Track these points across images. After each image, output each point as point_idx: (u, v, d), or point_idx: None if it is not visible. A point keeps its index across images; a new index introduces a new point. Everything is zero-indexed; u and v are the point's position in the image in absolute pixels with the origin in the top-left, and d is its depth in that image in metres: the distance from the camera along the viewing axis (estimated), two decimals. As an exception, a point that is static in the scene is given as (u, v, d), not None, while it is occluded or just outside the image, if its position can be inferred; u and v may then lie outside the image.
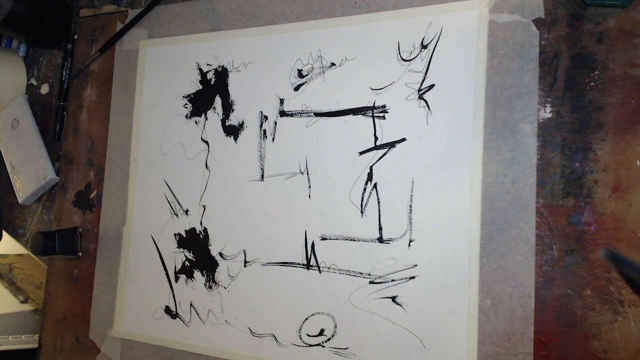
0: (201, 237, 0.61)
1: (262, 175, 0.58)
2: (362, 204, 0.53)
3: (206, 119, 0.62)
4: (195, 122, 0.63)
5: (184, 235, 0.62)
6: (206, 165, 0.61)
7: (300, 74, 0.57)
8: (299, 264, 0.55)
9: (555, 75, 0.47)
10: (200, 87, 0.63)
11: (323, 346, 0.53)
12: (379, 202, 0.52)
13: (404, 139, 0.51)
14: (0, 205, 0.78)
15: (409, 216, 0.50)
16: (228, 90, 0.61)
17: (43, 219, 0.75)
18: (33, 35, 0.73)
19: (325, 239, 0.54)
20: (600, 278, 0.44)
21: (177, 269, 0.62)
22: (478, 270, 0.47)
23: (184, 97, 0.64)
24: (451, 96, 0.50)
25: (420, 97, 0.51)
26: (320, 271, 0.54)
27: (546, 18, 0.47)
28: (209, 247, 0.60)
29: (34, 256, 0.77)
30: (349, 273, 0.52)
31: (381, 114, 0.53)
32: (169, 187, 0.63)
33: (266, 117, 0.58)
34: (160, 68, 0.66)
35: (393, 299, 0.50)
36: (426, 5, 0.51)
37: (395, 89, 0.52)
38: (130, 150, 0.66)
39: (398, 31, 0.52)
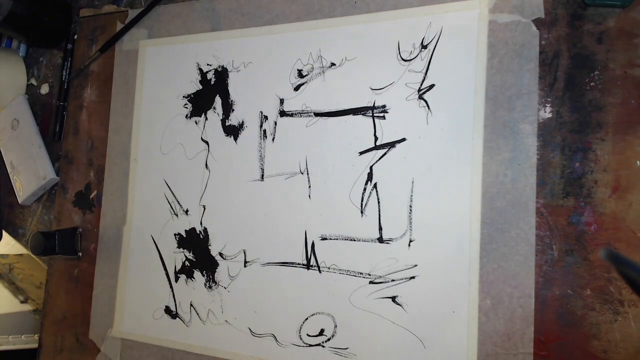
0: (201, 237, 0.61)
1: (262, 175, 0.58)
2: (362, 204, 0.53)
3: (206, 119, 0.62)
4: (195, 122, 0.63)
5: (184, 235, 0.62)
6: (206, 165, 0.61)
7: (300, 74, 0.57)
8: (299, 264, 0.55)
9: (555, 75, 0.47)
10: (200, 87, 0.63)
11: (323, 346, 0.53)
12: (379, 202, 0.52)
13: (404, 139, 0.51)
14: (0, 205, 0.78)
15: (409, 216, 0.50)
16: (228, 90, 0.61)
17: (43, 219, 0.75)
18: (33, 35, 0.73)
19: (325, 239, 0.54)
20: (600, 278, 0.44)
21: (177, 269, 0.62)
22: (478, 270, 0.47)
23: (184, 97, 0.64)
24: (451, 96, 0.50)
25: (420, 97, 0.51)
26: (320, 271, 0.54)
27: (546, 18, 0.47)
28: (209, 247, 0.60)
29: (34, 256, 0.77)
30: (349, 273, 0.52)
31: (381, 114, 0.53)
32: (169, 187, 0.63)
33: (266, 117, 0.58)
34: (160, 68, 0.66)
35: (393, 299, 0.50)
36: (426, 5, 0.51)
37: (395, 89, 0.52)
38: (130, 150, 0.66)
39: (398, 31, 0.52)
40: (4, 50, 0.79)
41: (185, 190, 0.62)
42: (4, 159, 0.76)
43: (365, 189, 0.53)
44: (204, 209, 0.61)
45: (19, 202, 0.74)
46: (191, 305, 0.60)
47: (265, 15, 0.60)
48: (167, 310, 0.62)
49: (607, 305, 0.43)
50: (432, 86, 0.51)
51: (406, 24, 0.52)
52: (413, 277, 0.50)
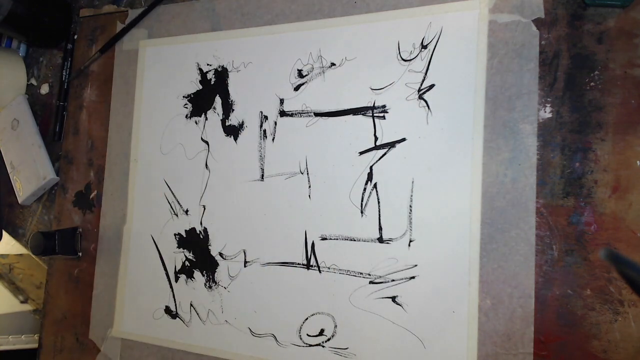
0: (201, 237, 0.61)
1: (262, 175, 0.58)
2: (362, 204, 0.53)
3: (206, 119, 0.62)
4: (195, 122, 0.63)
5: (184, 235, 0.62)
6: (206, 165, 0.61)
7: (300, 74, 0.57)
8: (299, 264, 0.55)
9: (555, 75, 0.47)
10: (200, 87, 0.63)
11: (323, 346, 0.53)
12: (379, 202, 0.52)
13: (404, 139, 0.51)
14: (0, 205, 0.78)
15: (409, 216, 0.50)
16: (228, 90, 0.61)
17: (43, 219, 0.75)
18: (33, 35, 0.73)
19: (325, 239, 0.54)
20: (600, 278, 0.44)
21: (177, 269, 0.62)
22: (478, 270, 0.47)
23: (184, 97, 0.64)
24: (451, 96, 0.50)
25: (420, 97, 0.51)
26: (320, 271, 0.54)
27: (546, 18, 0.47)
28: (209, 247, 0.60)
29: (34, 256, 0.77)
30: (349, 273, 0.52)
31: (381, 114, 0.53)
32: (169, 187, 0.63)
33: (266, 117, 0.58)
34: (160, 68, 0.66)
35: (393, 299, 0.50)
36: (426, 5, 0.51)
37: (395, 89, 0.52)
38: (130, 150, 0.66)
39: (398, 31, 0.52)
40: (4, 50, 0.79)
41: (185, 190, 0.62)
42: (4, 159, 0.76)
43: (365, 189, 0.53)
44: (204, 209, 0.61)
45: (19, 202, 0.74)
46: (191, 305, 0.60)
47: (265, 15, 0.60)
48: (167, 310, 0.62)
49: (607, 305, 0.43)
50: (432, 86, 0.51)
51: (406, 24, 0.52)
52: (413, 277, 0.50)
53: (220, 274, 0.59)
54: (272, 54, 0.59)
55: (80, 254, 0.68)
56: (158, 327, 0.62)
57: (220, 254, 0.59)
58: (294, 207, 0.56)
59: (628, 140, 0.44)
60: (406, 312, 0.50)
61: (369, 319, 0.51)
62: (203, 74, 0.63)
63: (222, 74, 0.62)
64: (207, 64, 0.62)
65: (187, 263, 0.61)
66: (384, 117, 0.52)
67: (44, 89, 0.77)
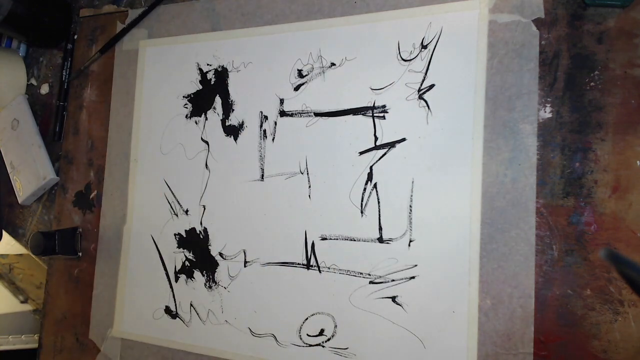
0: (201, 237, 0.61)
1: (262, 175, 0.58)
2: (362, 204, 0.53)
3: (206, 119, 0.62)
4: (195, 122, 0.63)
5: (184, 235, 0.62)
6: (206, 165, 0.61)
7: (300, 74, 0.57)
8: (299, 264, 0.55)
9: (555, 75, 0.47)
10: (200, 87, 0.63)
11: (323, 346, 0.53)
12: (379, 202, 0.52)
13: (404, 139, 0.51)
14: (0, 205, 0.78)
15: (409, 216, 0.50)
16: (228, 90, 0.61)
17: (43, 219, 0.75)
18: (33, 35, 0.73)
19: (325, 239, 0.54)
20: (600, 278, 0.44)
21: (177, 269, 0.62)
22: (478, 270, 0.47)
23: (184, 97, 0.64)
24: (451, 96, 0.50)
25: (420, 97, 0.51)
26: (320, 271, 0.54)
27: (546, 18, 0.47)
28: (209, 247, 0.60)
29: (34, 256, 0.77)
30: (349, 273, 0.52)
31: (381, 114, 0.53)
32: (169, 187, 0.63)
33: (266, 117, 0.58)
34: (160, 68, 0.66)
35: (393, 299, 0.50)
36: (426, 5, 0.51)
37: (395, 89, 0.52)
38: (130, 150, 0.66)
39: (398, 31, 0.52)
40: (4, 50, 0.79)
41: (185, 190, 0.62)
42: (4, 159, 0.76)
43: (365, 189, 0.53)
44: (204, 209, 0.61)
45: (19, 202, 0.74)
46: (191, 305, 0.60)
47: (265, 15, 0.60)
48: (167, 310, 0.62)
49: (607, 305, 0.43)
50: (432, 86, 0.51)
51: (406, 24, 0.52)
52: (413, 277, 0.50)
53: (220, 274, 0.59)
54: (272, 54, 0.59)
55: (80, 254, 0.68)
56: (158, 327, 0.62)
57: (220, 254, 0.59)
58: (294, 207, 0.56)
59: (628, 140, 0.44)
60: (406, 312, 0.50)
61: (369, 319, 0.51)
62: (203, 74, 0.63)
63: (222, 74, 0.62)
64: (207, 64, 0.62)
65: (187, 263, 0.61)
66: (384, 117, 0.52)
67: (44, 89, 0.77)
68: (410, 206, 0.50)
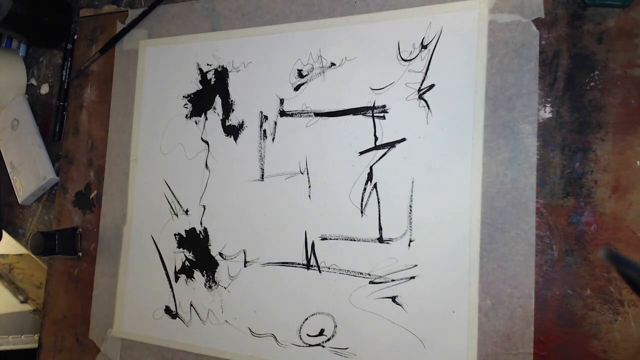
0: (201, 237, 0.61)
1: (262, 175, 0.58)
2: (362, 204, 0.53)
3: (206, 119, 0.62)
4: (195, 122, 0.63)
5: (184, 235, 0.62)
6: (206, 165, 0.61)
7: (300, 74, 0.57)
8: (299, 264, 0.55)
9: (555, 75, 0.47)
10: (200, 87, 0.63)
11: (323, 346, 0.53)
12: (379, 202, 0.52)
13: (404, 139, 0.51)
14: (0, 205, 0.78)
15: (409, 216, 0.50)
16: (228, 90, 0.61)
17: (43, 219, 0.75)
18: (33, 35, 0.73)
19: (325, 239, 0.54)
20: (600, 278, 0.44)
21: (177, 269, 0.62)
22: (478, 270, 0.47)
23: (184, 97, 0.64)
24: (451, 96, 0.50)
25: (420, 97, 0.51)
26: (320, 271, 0.54)
27: (546, 18, 0.47)
28: (209, 247, 0.60)
29: (34, 256, 0.77)
30: (349, 273, 0.52)
31: (381, 114, 0.53)
32: (169, 187, 0.63)
33: (266, 117, 0.58)
34: (160, 68, 0.66)
35: (393, 299, 0.50)
36: (426, 5, 0.51)
37: (395, 89, 0.52)
38: (130, 150, 0.66)
39: (398, 31, 0.52)
40: (4, 50, 0.79)
41: (185, 190, 0.62)
42: (4, 159, 0.76)
43: (365, 189, 0.53)
44: (204, 209, 0.61)
45: (19, 202, 0.74)
46: (191, 305, 0.60)
47: (265, 15, 0.60)
48: (167, 310, 0.62)
49: (607, 305, 0.43)
50: (432, 86, 0.51)
51: (406, 24, 0.52)
52: (413, 277, 0.50)
53: (220, 274, 0.59)
54: (272, 54, 0.59)
55: (80, 254, 0.68)
56: (158, 327, 0.62)
57: (220, 254, 0.59)
58: (293, 207, 0.56)
59: (628, 140, 0.44)
60: (406, 312, 0.50)
61: (369, 319, 0.51)
62: (203, 74, 0.63)
63: (222, 74, 0.62)
64: (207, 64, 0.62)
65: (187, 263, 0.61)
66: (384, 117, 0.52)
67: (44, 89, 0.77)
68: (410, 206, 0.50)
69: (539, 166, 0.46)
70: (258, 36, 0.60)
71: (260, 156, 0.58)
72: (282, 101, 0.58)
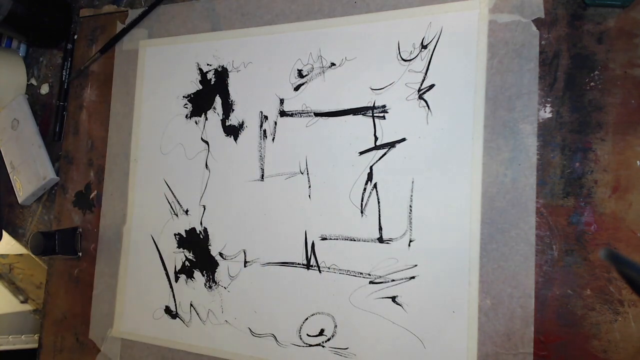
0: (201, 237, 0.61)
1: (262, 175, 0.58)
2: (362, 204, 0.53)
3: (206, 119, 0.62)
4: (195, 122, 0.63)
5: (184, 235, 0.62)
6: (206, 165, 0.61)
7: (300, 74, 0.57)
8: (299, 264, 0.55)
9: (555, 75, 0.47)
10: (200, 87, 0.63)
11: (323, 346, 0.53)
12: (379, 202, 0.52)
13: (404, 139, 0.51)
14: (0, 205, 0.78)
15: (409, 216, 0.50)
16: (228, 90, 0.61)
17: (43, 219, 0.75)
18: (33, 35, 0.73)
19: (325, 239, 0.54)
20: (600, 278, 0.44)
21: (177, 269, 0.62)
22: (478, 270, 0.47)
23: (184, 97, 0.64)
24: (451, 96, 0.50)
25: (420, 97, 0.51)
26: (320, 271, 0.54)
27: (546, 18, 0.47)
28: (209, 247, 0.60)
29: (34, 256, 0.77)
30: (349, 273, 0.52)
31: (381, 114, 0.53)
32: (169, 187, 0.63)
33: (266, 117, 0.58)
34: (160, 68, 0.66)
35: (393, 299, 0.50)
36: (426, 5, 0.51)
37: (395, 89, 0.52)
38: (130, 150, 0.66)
39: (398, 31, 0.52)
40: (4, 50, 0.79)
41: (185, 190, 0.62)
42: (4, 159, 0.76)
43: (365, 189, 0.53)
44: (204, 209, 0.61)
45: (19, 202, 0.74)
46: (191, 305, 0.60)
47: (265, 15, 0.60)
48: (167, 310, 0.62)
49: (607, 305, 0.43)
50: (432, 86, 0.51)
51: (406, 24, 0.52)
52: (413, 277, 0.50)
53: (220, 274, 0.59)
54: (272, 54, 0.59)
55: (80, 254, 0.68)
56: (158, 327, 0.62)
57: (220, 254, 0.59)
58: (293, 207, 0.56)
59: (628, 140, 0.44)
60: (406, 312, 0.50)
61: (369, 319, 0.51)
62: (203, 74, 0.63)
63: (222, 74, 0.62)
64: (207, 64, 0.62)
65: (187, 263, 0.61)
66: (384, 117, 0.52)
67: (44, 89, 0.77)
68: (410, 206, 0.50)
69: (539, 166, 0.46)
70: (258, 36, 0.60)
71: (260, 156, 0.58)
72: (282, 101, 0.58)
